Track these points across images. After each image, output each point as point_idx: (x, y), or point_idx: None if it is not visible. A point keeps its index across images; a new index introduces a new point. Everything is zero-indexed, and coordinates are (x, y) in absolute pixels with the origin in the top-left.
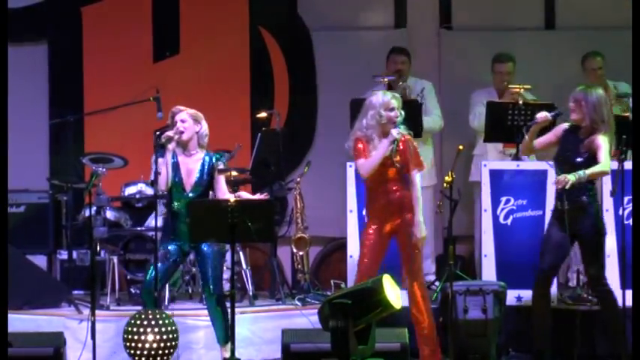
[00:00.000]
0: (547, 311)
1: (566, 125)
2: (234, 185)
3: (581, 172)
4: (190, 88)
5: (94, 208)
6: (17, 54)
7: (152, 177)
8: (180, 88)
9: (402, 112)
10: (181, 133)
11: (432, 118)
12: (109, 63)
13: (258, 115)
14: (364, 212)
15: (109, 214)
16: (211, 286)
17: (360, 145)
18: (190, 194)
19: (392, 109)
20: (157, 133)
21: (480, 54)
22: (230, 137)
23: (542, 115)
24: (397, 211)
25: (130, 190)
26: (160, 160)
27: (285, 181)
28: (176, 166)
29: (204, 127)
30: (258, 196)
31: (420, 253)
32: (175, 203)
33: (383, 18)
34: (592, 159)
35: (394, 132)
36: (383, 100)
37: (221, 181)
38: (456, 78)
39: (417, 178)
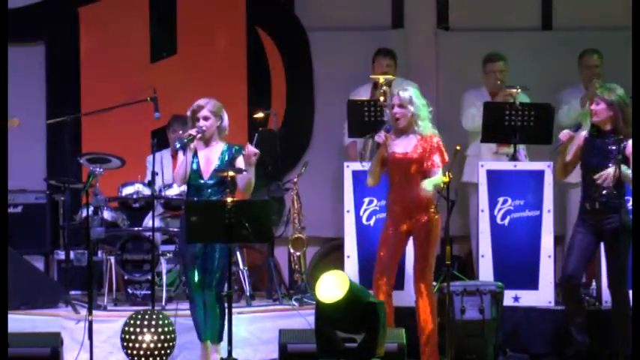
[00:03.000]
0: (582, 311)
1: (585, 132)
2: (231, 185)
3: (625, 167)
4: (187, 88)
5: (91, 209)
6: (14, 54)
7: (148, 177)
8: (178, 88)
9: (408, 106)
10: (203, 131)
11: None
12: (106, 63)
13: (256, 116)
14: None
15: (107, 215)
16: (214, 281)
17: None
18: (209, 182)
19: (392, 107)
20: (181, 132)
21: (477, 54)
22: (227, 137)
23: (565, 134)
24: (413, 211)
25: (127, 191)
26: (180, 156)
27: (283, 182)
28: (195, 155)
29: (226, 119)
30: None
31: (432, 255)
32: (191, 194)
33: (380, 18)
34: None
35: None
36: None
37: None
38: (453, 78)
39: (439, 172)
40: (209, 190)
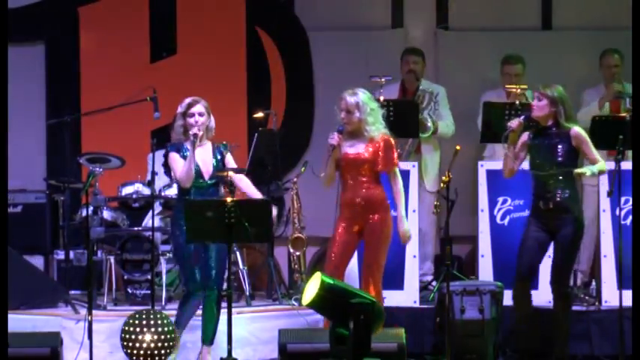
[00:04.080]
0: (529, 312)
1: (527, 133)
2: (230, 185)
3: (594, 169)
4: (187, 88)
5: (91, 208)
6: (14, 54)
7: (148, 177)
8: (177, 88)
9: (361, 112)
10: (199, 127)
11: (446, 124)
12: (106, 63)
13: (255, 116)
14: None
15: (106, 214)
16: (215, 280)
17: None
18: (210, 181)
19: (341, 111)
20: (192, 133)
21: (476, 54)
22: (227, 137)
23: (515, 122)
24: (365, 210)
25: (127, 190)
26: (178, 158)
27: (282, 181)
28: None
29: (213, 119)
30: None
31: (383, 256)
32: (192, 194)
33: (380, 18)
34: (571, 153)
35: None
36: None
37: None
38: (453, 79)
39: (397, 173)
40: (210, 190)
